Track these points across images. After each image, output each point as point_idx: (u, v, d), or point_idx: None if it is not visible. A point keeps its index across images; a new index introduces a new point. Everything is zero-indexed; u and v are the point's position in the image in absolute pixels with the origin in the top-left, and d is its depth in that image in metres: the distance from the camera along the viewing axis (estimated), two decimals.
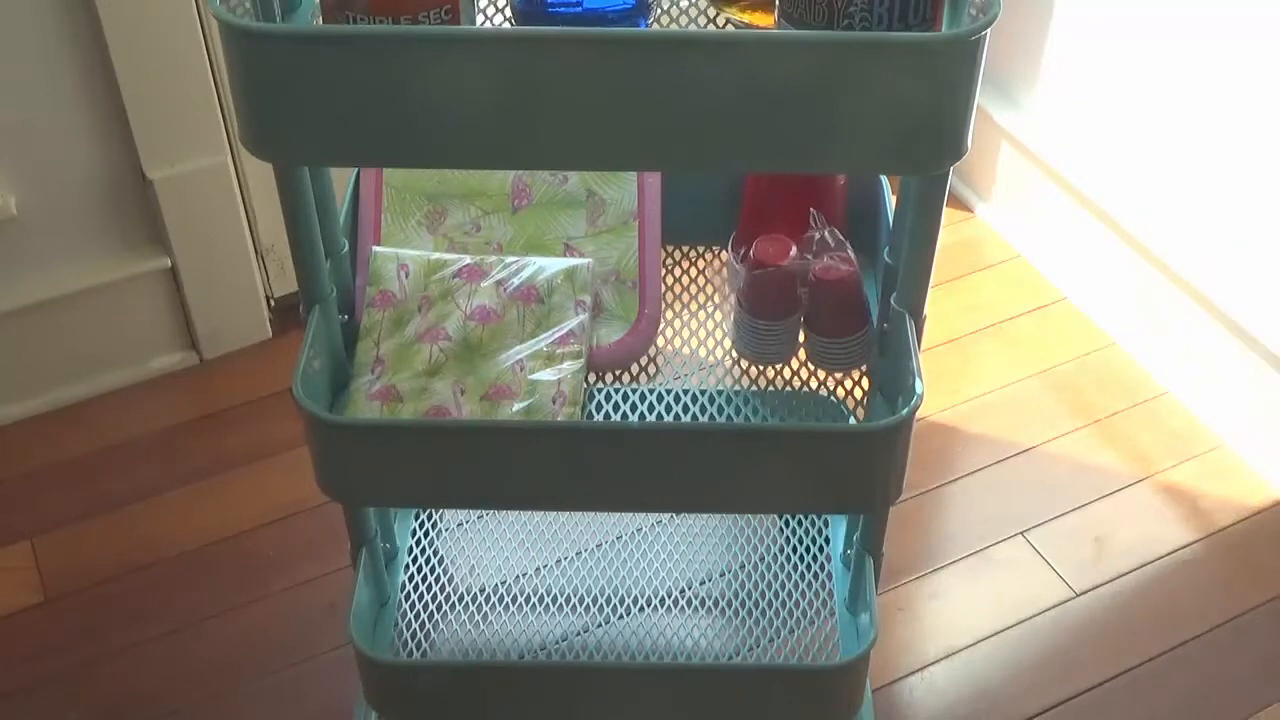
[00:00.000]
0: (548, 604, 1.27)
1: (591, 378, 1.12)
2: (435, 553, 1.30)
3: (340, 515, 1.15)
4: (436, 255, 1.11)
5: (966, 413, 1.69)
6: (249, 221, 1.71)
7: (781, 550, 1.30)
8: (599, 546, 1.32)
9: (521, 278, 1.09)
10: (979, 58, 0.80)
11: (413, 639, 1.22)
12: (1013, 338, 1.77)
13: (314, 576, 1.51)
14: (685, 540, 1.32)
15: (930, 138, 0.82)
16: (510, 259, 1.10)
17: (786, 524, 1.32)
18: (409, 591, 1.26)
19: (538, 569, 1.30)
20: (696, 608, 1.26)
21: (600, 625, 1.25)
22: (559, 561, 1.31)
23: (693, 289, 1.22)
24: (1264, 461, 1.62)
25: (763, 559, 1.29)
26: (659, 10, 0.94)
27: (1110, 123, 1.74)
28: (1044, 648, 1.45)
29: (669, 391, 1.20)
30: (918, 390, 0.97)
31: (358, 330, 1.09)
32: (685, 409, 1.20)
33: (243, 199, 1.69)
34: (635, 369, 1.15)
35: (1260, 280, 1.58)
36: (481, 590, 1.27)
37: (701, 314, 1.20)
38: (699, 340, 1.18)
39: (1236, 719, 1.38)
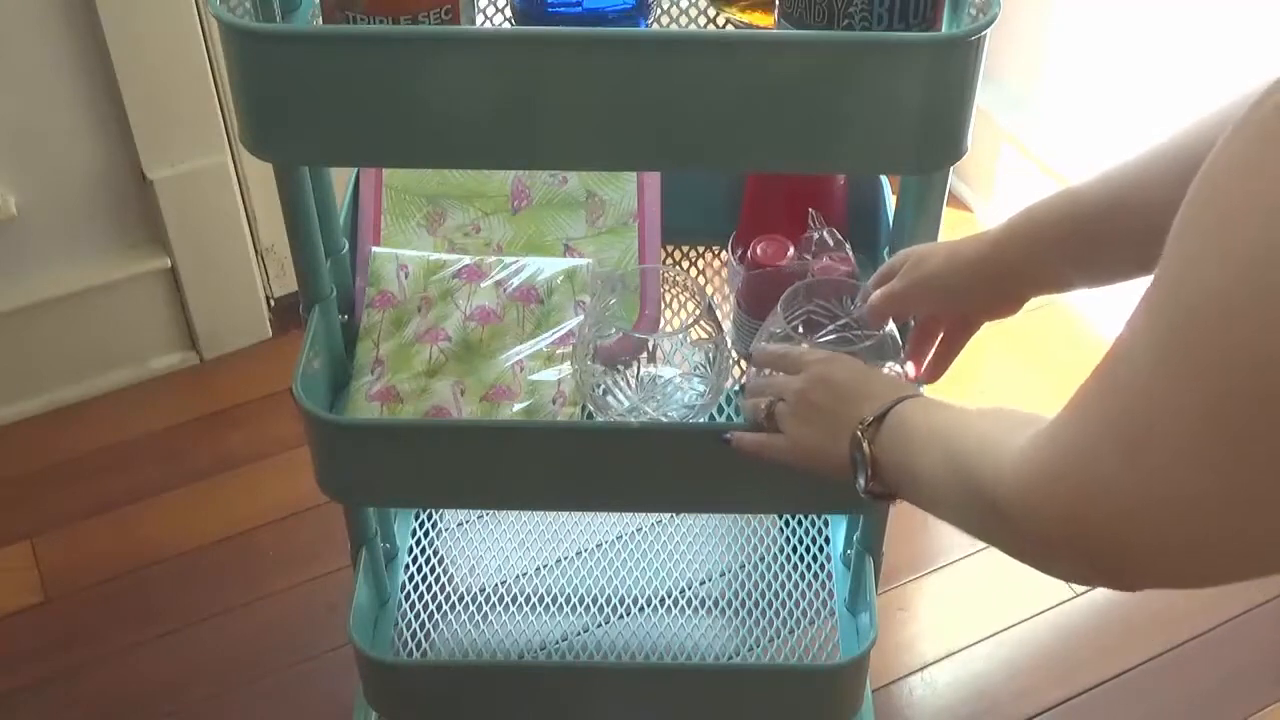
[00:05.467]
0: (548, 604, 1.27)
1: None
2: (435, 553, 1.30)
3: (340, 515, 1.15)
4: (436, 256, 1.11)
5: None
6: (249, 221, 1.71)
7: (781, 550, 1.30)
8: (599, 546, 1.32)
9: (521, 278, 1.09)
10: (979, 58, 0.80)
11: (413, 639, 1.22)
12: (1013, 337, 1.77)
13: (314, 576, 1.51)
14: (685, 540, 1.32)
15: (930, 138, 0.82)
16: (510, 259, 1.10)
17: (786, 524, 1.32)
18: (409, 591, 1.26)
19: (538, 569, 1.30)
20: (696, 608, 1.26)
21: (600, 625, 1.25)
22: (559, 561, 1.31)
23: (692, 288, 1.22)
24: None
25: (763, 559, 1.29)
26: (659, 10, 0.94)
27: (1110, 123, 1.74)
28: (1044, 648, 1.45)
29: None
30: (918, 390, 0.97)
31: (358, 330, 1.09)
32: None
33: (243, 199, 1.69)
34: None
35: None
36: (481, 590, 1.27)
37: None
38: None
39: (1236, 719, 1.38)
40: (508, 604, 1.27)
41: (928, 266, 0.89)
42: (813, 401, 0.86)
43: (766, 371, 0.93)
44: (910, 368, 0.95)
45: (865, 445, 0.80)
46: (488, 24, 0.94)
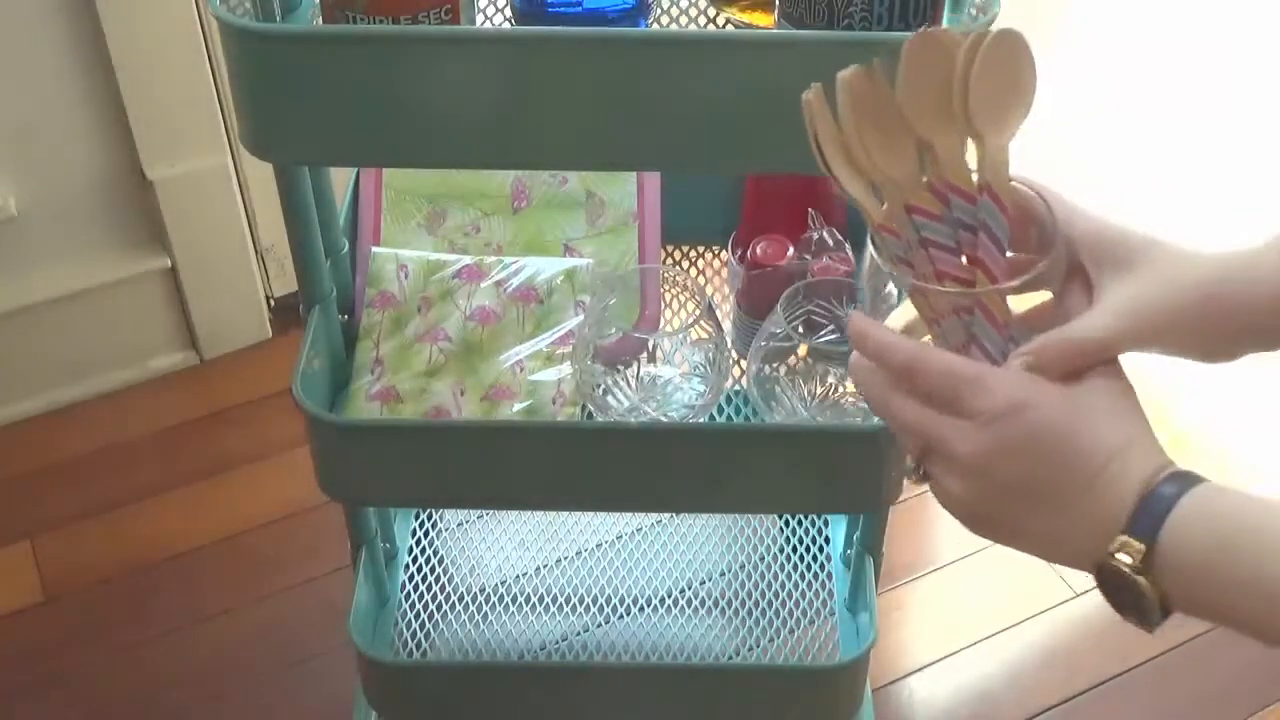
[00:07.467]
0: (548, 604, 1.27)
1: None
2: (435, 553, 1.30)
3: (340, 515, 1.15)
4: (436, 256, 1.11)
5: None
6: (249, 221, 1.71)
7: (781, 550, 1.30)
8: (599, 546, 1.32)
9: (521, 278, 1.09)
10: None
11: (413, 639, 1.22)
12: None
13: (314, 576, 1.51)
14: (685, 540, 1.32)
15: None
16: (510, 260, 1.10)
17: (786, 524, 1.32)
18: (409, 591, 1.26)
19: (538, 569, 1.30)
20: (696, 608, 1.26)
21: (600, 625, 1.25)
22: (559, 561, 1.31)
23: (692, 288, 1.22)
24: (1264, 461, 1.62)
25: (763, 559, 1.29)
26: (659, 10, 0.94)
27: (1111, 123, 1.74)
28: (1044, 648, 1.45)
29: None
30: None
31: (358, 330, 1.09)
32: None
33: (243, 199, 1.69)
34: None
35: None
36: (481, 590, 1.27)
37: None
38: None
39: (1236, 719, 1.38)
40: (508, 604, 1.27)
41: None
42: (1005, 482, 0.63)
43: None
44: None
45: (1142, 581, 0.60)
46: (488, 24, 0.94)
